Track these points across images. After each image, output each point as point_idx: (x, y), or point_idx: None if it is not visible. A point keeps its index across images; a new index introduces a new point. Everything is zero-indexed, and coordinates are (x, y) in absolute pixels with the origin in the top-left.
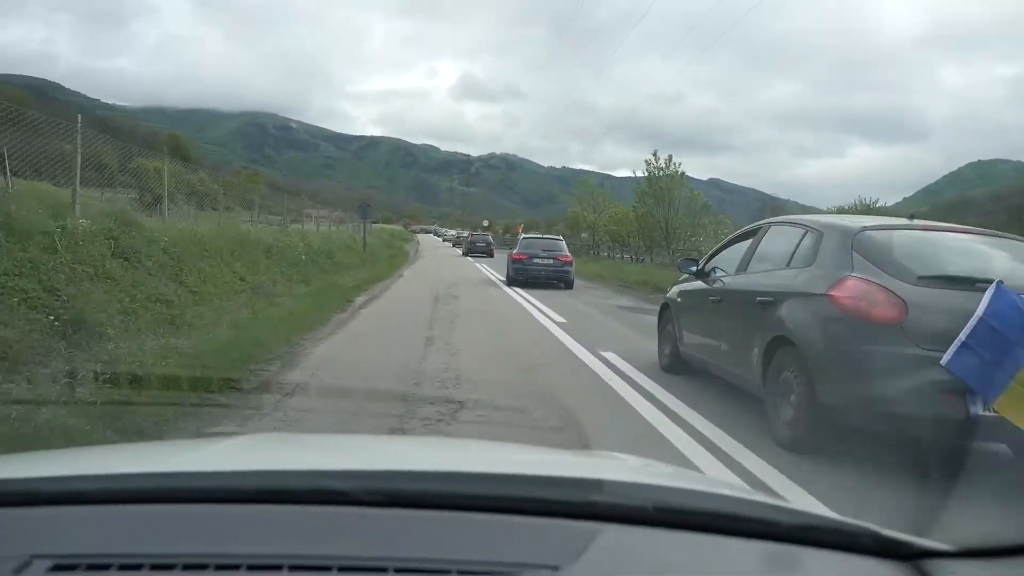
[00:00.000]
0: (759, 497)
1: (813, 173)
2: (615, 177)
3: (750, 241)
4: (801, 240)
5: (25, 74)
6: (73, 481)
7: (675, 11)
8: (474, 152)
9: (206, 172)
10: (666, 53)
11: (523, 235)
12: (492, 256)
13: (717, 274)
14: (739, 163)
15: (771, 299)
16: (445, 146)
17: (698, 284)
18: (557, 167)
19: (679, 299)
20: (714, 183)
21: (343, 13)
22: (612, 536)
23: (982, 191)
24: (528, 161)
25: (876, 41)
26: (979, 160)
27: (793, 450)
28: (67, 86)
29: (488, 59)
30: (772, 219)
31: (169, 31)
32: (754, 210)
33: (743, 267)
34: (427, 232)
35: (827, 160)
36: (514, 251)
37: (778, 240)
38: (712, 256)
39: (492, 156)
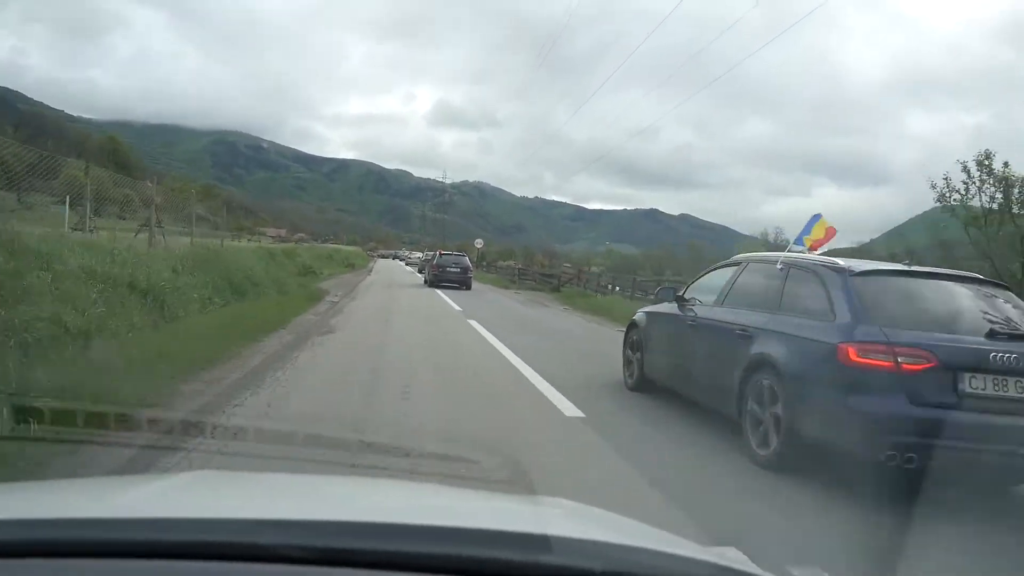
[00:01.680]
0: (709, 558)
1: (782, 211)
2: (587, 209)
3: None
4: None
5: None
6: None
7: (653, 48)
8: (447, 179)
9: (135, 181)
10: (643, 88)
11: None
12: (469, 288)
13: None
14: (710, 199)
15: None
16: (418, 172)
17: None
18: (529, 197)
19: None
20: (684, 218)
21: (322, 35)
22: None
23: (953, 235)
24: (500, 190)
25: (846, 86)
26: (945, 204)
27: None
28: (32, 96)
29: (465, 86)
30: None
31: (143, 45)
32: (727, 246)
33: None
34: (388, 257)
35: (796, 199)
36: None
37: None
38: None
39: (465, 183)
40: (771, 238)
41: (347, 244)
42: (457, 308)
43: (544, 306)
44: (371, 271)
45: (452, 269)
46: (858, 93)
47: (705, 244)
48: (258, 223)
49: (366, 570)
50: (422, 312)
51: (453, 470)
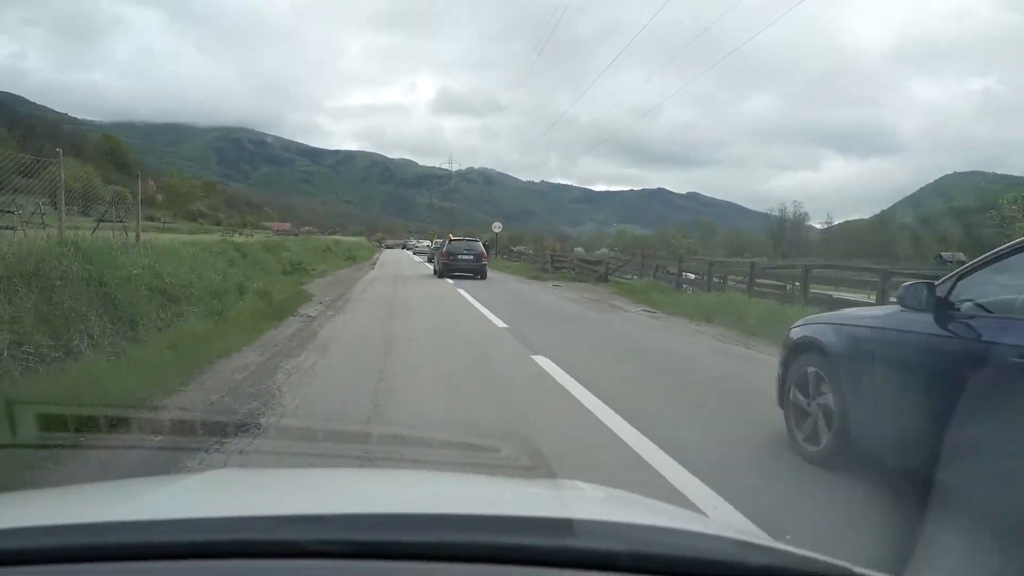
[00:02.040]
0: (729, 534)
1: (789, 186)
2: (594, 191)
3: None
4: None
5: None
6: (8, 537)
7: (654, 26)
8: (453, 166)
9: (131, 179)
10: (645, 67)
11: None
12: (484, 278)
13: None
14: (717, 177)
15: None
16: (423, 160)
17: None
18: (536, 181)
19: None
20: (692, 196)
21: (323, 28)
22: None
23: (966, 202)
24: (506, 175)
25: (850, 56)
26: (955, 172)
27: None
28: (34, 100)
29: (467, 73)
30: None
31: (145, 45)
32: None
33: None
34: (397, 247)
35: (804, 173)
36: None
37: None
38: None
39: (470, 170)
40: (789, 213)
41: (353, 235)
42: (499, 323)
43: (617, 308)
44: (375, 264)
45: (464, 257)
46: (862, 63)
47: (712, 221)
48: (261, 217)
49: (395, 561)
50: (446, 335)
51: (474, 458)
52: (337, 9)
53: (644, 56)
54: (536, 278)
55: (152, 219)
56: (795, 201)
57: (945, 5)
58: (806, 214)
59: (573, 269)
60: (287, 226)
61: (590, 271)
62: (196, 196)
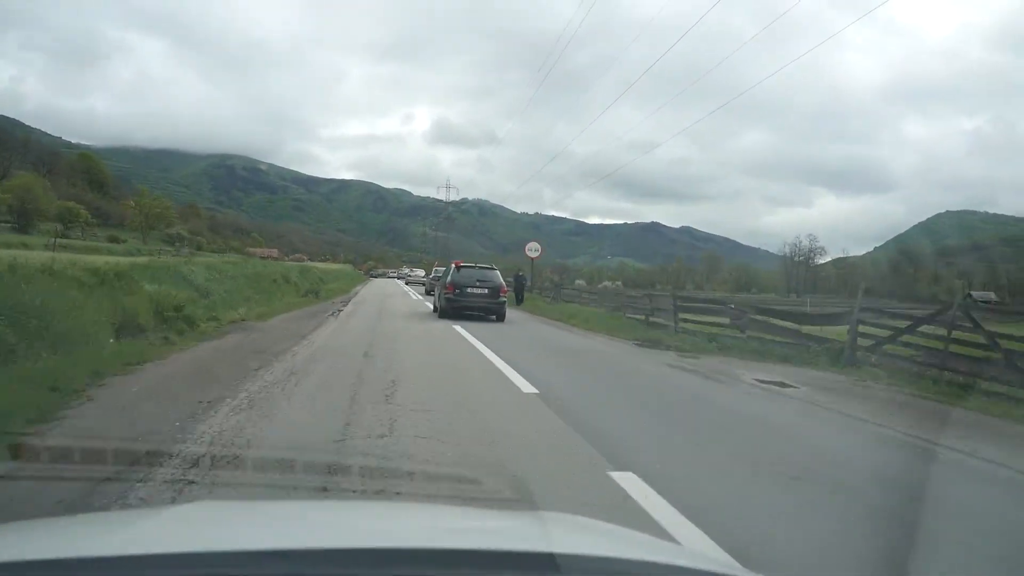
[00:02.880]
0: (710, 567)
1: (782, 222)
2: (588, 224)
3: None
4: None
5: None
6: None
7: (650, 61)
8: (446, 198)
9: (108, 200)
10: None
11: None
12: (502, 320)
13: None
14: (711, 212)
15: None
16: (417, 190)
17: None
18: (530, 213)
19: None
20: (686, 231)
21: (320, 58)
22: None
23: (958, 241)
24: (501, 207)
25: (843, 95)
26: (947, 211)
27: None
28: (29, 124)
29: (463, 105)
30: None
31: (143, 71)
32: (736, 258)
33: None
34: (387, 276)
35: (796, 209)
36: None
37: None
38: None
39: (465, 201)
40: (804, 244)
41: (343, 263)
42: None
43: None
44: (350, 300)
45: (476, 291)
46: (855, 101)
47: (716, 253)
48: (246, 243)
49: None
50: None
51: (457, 491)
52: (335, 39)
53: (640, 91)
54: (656, 344)
55: (116, 239)
56: (810, 235)
57: (937, 45)
58: (822, 248)
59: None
60: (274, 252)
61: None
62: (170, 218)
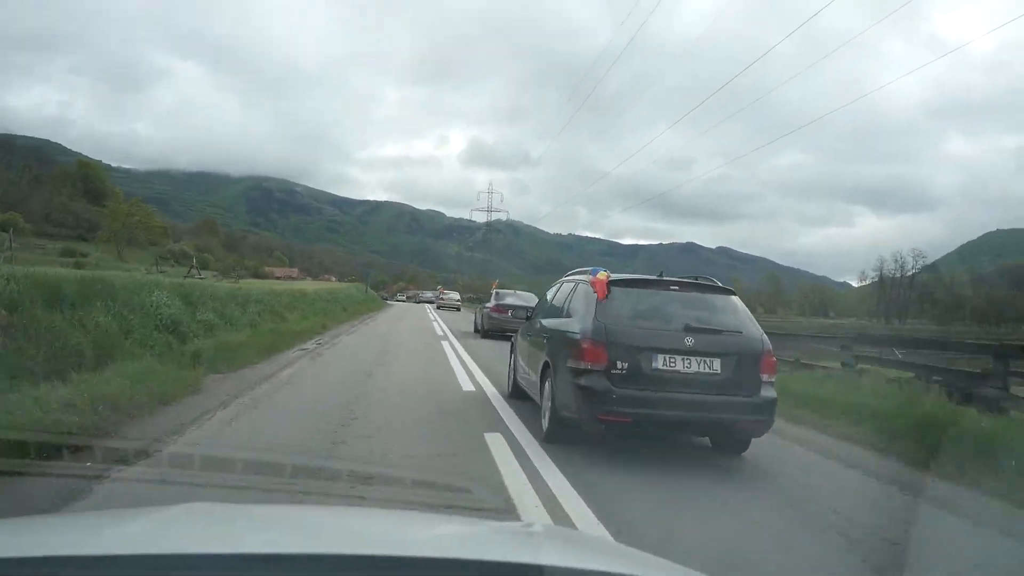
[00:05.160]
0: None
1: (820, 242)
2: (621, 244)
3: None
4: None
5: (32, 135)
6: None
7: (686, 80)
8: (480, 218)
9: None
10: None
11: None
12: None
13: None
14: (748, 232)
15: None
16: (451, 212)
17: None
18: (563, 233)
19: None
20: (723, 251)
21: (356, 80)
22: None
23: (1017, 259)
24: (534, 228)
25: (883, 112)
26: (998, 229)
27: None
28: (72, 148)
29: (497, 127)
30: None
31: (183, 97)
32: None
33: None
34: (412, 299)
35: (835, 228)
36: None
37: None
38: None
39: (498, 221)
40: (905, 261)
41: (356, 281)
42: None
43: None
44: (316, 351)
45: (684, 368)
46: (895, 118)
47: (782, 277)
48: (263, 262)
49: None
50: None
51: (446, 500)
52: (371, 62)
53: (675, 110)
54: None
55: (73, 253)
56: (914, 249)
57: (980, 60)
58: (933, 265)
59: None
60: (293, 272)
61: None
62: (153, 227)
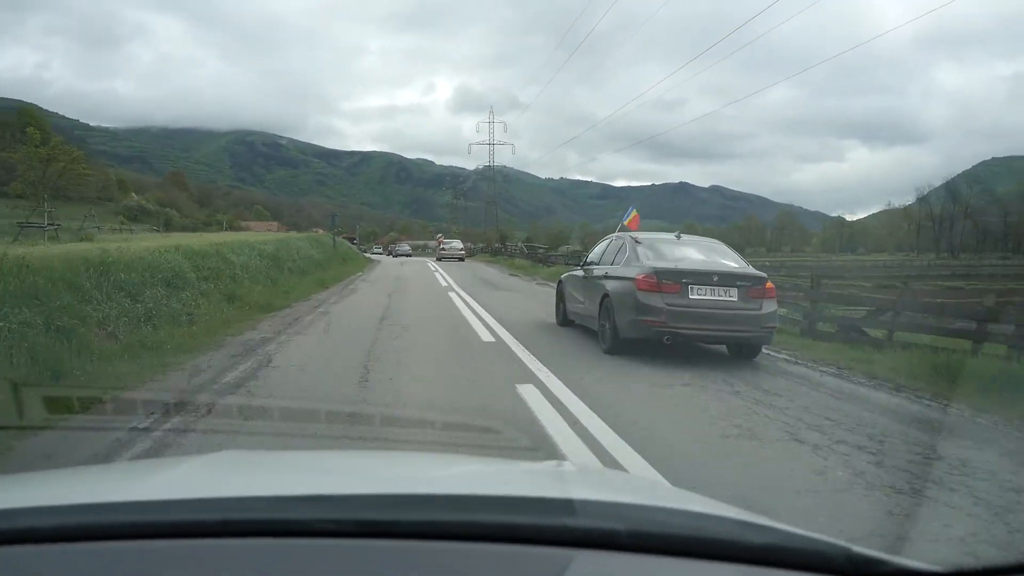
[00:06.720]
0: (729, 513)
1: (813, 178)
2: (614, 187)
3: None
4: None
5: (8, 96)
6: (18, 516)
7: (673, 19)
8: (470, 165)
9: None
10: (665, 60)
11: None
12: None
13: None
14: (740, 170)
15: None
16: (440, 160)
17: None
18: (555, 178)
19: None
20: (716, 190)
21: (339, 30)
22: (586, 562)
23: (1010, 187)
24: (525, 173)
25: (872, 44)
26: (993, 158)
27: None
28: (50, 108)
29: (485, 71)
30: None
31: (161, 53)
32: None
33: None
34: (407, 254)
35: (827, 164)
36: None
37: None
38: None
39: (488, 169)
40: (963, 192)
41: (355, 234)
42: None
43: None
44: None
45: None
46: (884, 49)
47: (798, 213)
48: (242, 216)
49: (398, 540)
50: None
51: (478, 440)
52: (353, 11)
53: (664, 49)
54: None
55: None
56: (967, 173)
57: None
58: (927, 198)
59: None
60: (273, 226)
61: None
62: (81, 174)
